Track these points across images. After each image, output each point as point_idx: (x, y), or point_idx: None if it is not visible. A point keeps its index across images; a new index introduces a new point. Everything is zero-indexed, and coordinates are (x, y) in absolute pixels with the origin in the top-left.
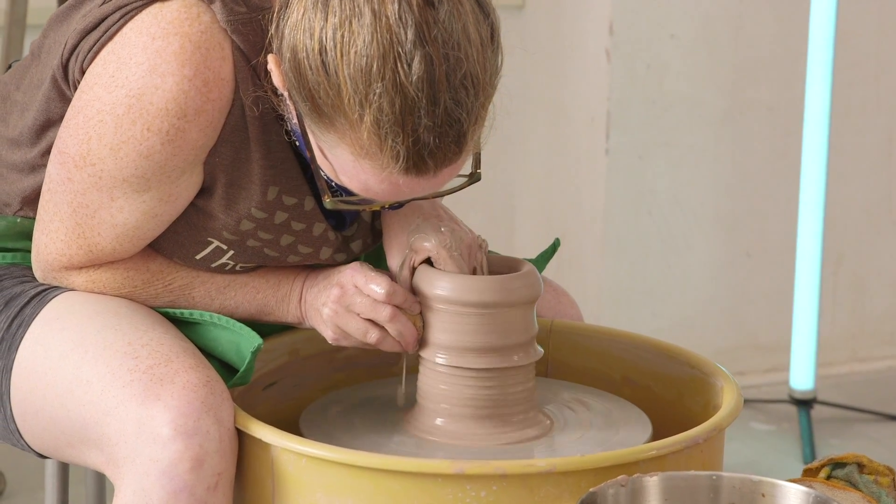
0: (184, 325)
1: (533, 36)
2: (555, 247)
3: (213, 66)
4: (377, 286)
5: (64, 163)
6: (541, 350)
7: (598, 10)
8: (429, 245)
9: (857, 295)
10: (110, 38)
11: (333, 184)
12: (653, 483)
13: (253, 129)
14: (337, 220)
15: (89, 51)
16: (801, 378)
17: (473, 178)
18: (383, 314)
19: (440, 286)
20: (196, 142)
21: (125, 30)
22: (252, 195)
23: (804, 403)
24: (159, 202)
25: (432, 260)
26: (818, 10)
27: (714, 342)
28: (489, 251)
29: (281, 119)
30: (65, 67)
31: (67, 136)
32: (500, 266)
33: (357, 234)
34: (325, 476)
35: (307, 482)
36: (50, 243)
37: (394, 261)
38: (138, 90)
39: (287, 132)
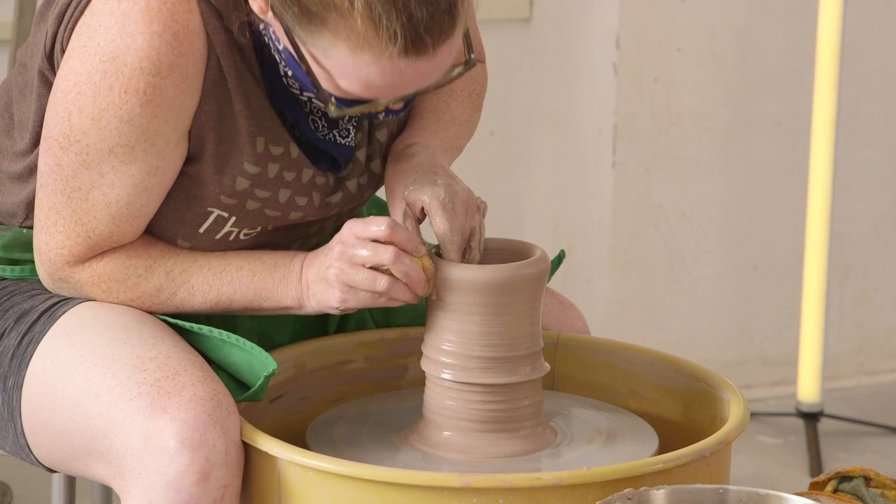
0: (196, 340)
1: (540, 49)
2: (560, 258)
3: (181, 20)
4: (376, 226)
5: (50, 148)
6: (547, 366)
7: (605, 24)
8: (424, 197)
9: (864, 308)
10: (81, 11)
11: (332, 98)
12: (659, 496)
13: (232, 82)
14: (331, 163)
15: (65, 30)
16: (808, 391)
17: (469, 63)
18: (387, 255)
19: (443, 271)
20: (174, 100)
21: (93, 1)
22: (242, 149)
23: (811, 417)
24: (147, 174)
25: (425, 210)
26: (826, 23)
27: (721, 355)
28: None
29: (257, 64)
30: (49, 58)
31: (50, 119)
32: (509, 251)
33: (352, 173)
34: (331, 489)
35: (314, 495)
36: (50, 239)
37: (396, 215)
38: (111, 53)
39: (264, 76)
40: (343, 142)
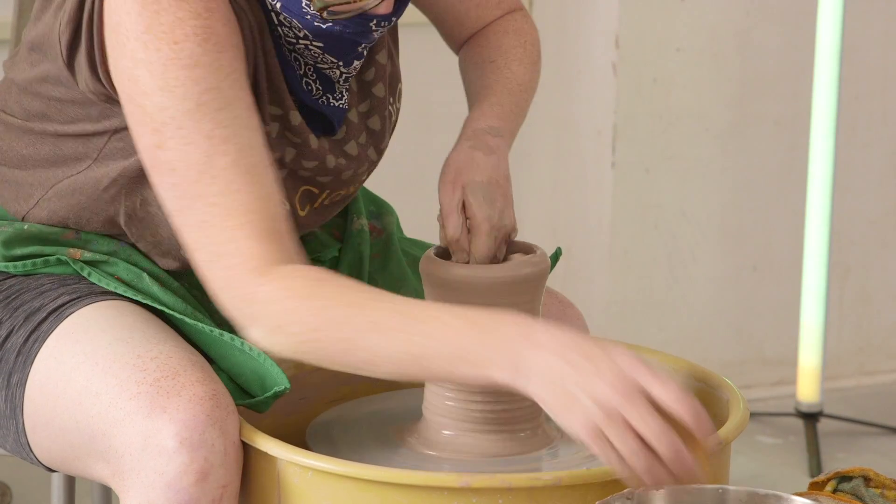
0: (205, 345)
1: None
2: (557, 256)
3: None
4: (670, 394)
5: (155, 165)
6: None
7: (604, 24)
8: (478, 213)
9: (863, 308)
10: (99, 24)
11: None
12: (659, 496)
13: (248, 39)
14: (324, 128)
15: (92, 46)
16: (808, 391)
17: None
18: (670, 447)
19: (449, 274)
20: (229, 38)
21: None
22: (261, 107)
23: (811, 417)
24: (244, 110)
25: (468, 225)
26: (825, 23)
27: (720, 355)
28: None
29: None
30: (70, 66)
31: (137, 136)
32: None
33: (347, 135)
34: (331, 489)
35: (313, 495)
36: (216, 258)
37: (445, 197)
38: (144, 25)
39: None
40: (336, 104)
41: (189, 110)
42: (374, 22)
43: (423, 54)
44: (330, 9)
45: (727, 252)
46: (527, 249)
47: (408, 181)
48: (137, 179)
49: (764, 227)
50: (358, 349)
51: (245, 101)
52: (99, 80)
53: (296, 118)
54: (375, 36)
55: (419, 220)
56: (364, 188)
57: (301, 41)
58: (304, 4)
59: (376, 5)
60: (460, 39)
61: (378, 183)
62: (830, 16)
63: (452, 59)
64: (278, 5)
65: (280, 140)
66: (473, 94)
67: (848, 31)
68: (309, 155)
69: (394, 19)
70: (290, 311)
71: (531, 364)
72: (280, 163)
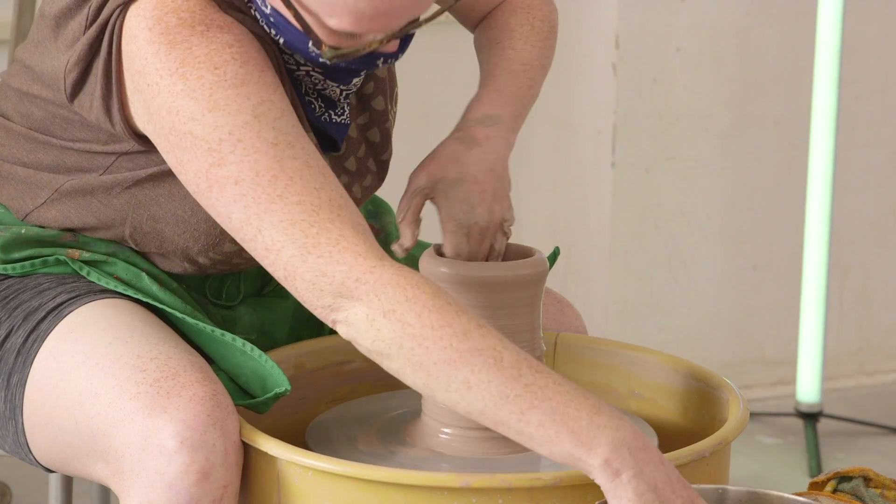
0: (206, 345)
1: None
2: (555, 255)
3: (214, 18)
4: None
5: (213, 185)
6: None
7: (604, 24)
8: (442, 212)
9: (863, 308)
10: (118, 71)
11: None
12: None
13: (274, 62)
14: (327, 145)
15: (109, 92)
16: (808, 391)
17: None
18: None
19: (441, 269)
20: (264, 61)
21: (123, 44)
22: None
23: (810, 417)
24: (297, 120)
25: (440, 224)
26: (825, 23)
27: (720, 355)
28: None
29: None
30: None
31: (184, 165)
32: (507, 254)
33: (347, 151)
34: (331, 489)
35: (313, 495)
36: (322, 240)
37: (400, 206)
38: (178, 62)
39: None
40: (339, 120)
41: (247, 122)
42: (381, 60)
43: (423, 54)
44: (339, 53)
45: (727, 252)
46: (525, 253)
47: (406, 181)
48: (147, 195)
49: (764, 227)
50: (465, 366)
51: (294, 114)
52: (112, 122)
53: (312, 139)
54: (379, 65)
55: None
56: None
57: (302, 68)
58: (309, 47)
59: (383, 45)
60: (474, 20)
61: None
62: (830, 16)
63: (452, 60)
64: (281, 41)
65: None
66: (480, 80)
67: (848, 31)
68: None
69: (400, 55)
70: (410, 298)
71: (621, 466)
72: None
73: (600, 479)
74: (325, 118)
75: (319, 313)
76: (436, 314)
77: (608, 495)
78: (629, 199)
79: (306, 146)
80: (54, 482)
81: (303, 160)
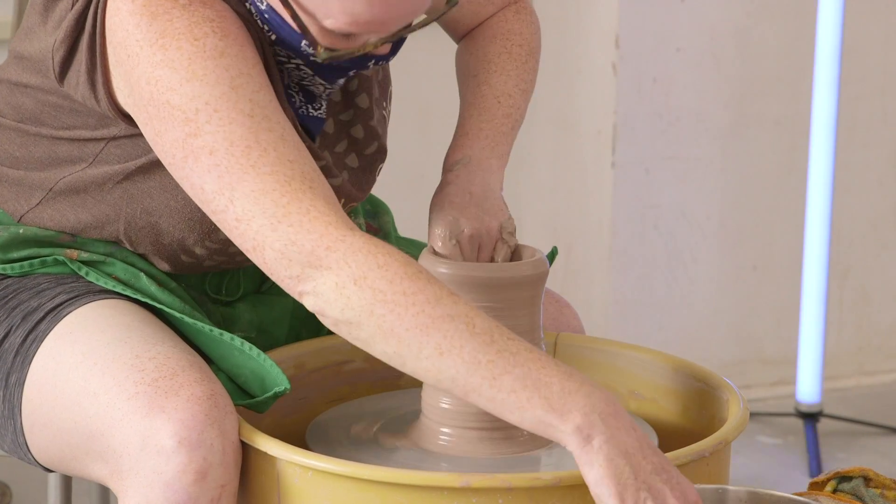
0: (205, 345)
1: None
2: (552, 255)
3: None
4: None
5: (188, 155)
6: None
7: (604, 24)
8: (433, 226)
9: (863, 308)
10: (101, 45)
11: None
12: None
13: (258, 47)
14: (300, 134)
15: (94, 66)
16: (808, 391)
17: (451, 1)
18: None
19: (440, 269)
20: (246, 38)
21: (107, 17)
22: None
23: (810, 417)
24: (275, 97)
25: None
26: (825, 24)
27: (720, 355)
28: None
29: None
30: (61, 77)
31: (160, 136)
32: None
33: (322, 145)
34: (330, 489)
35: (313, 495)
36: (293, 210)
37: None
38: (159, 32)
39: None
40: (315, 114)
41: (224, 93)
42: (373, 61)
43: (421, 54)
44: (333, 55)
45: (727, 252)
46: (526, 253)
47: (404, 181)
48: (139, 189)
49: (764, 227)
50: (437, 332)
51: (272, 91)
52: (97, 98)
53: (297, 127)
54: (371, 67)
55: (415, 220)
56: None
57: (292, 61)
58: (302, 45)
59: (376, 48)
60: (459, 32)
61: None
62: (830, 16)
63: (451, 60)
64: (273, 37)
65: None
66: (459, 114)
67: (848, 31)
68: None
69: (391, 58)
70: (382, 265)
71: (592, 428)
72: None
73: (571, 444)
74: (302, 111)
75: (286, 284)
76: (408, 281)
77: (579, 461)
78: (629, 199)
79: (282, 121)
80: (54, 482)
81: (278, 133)
